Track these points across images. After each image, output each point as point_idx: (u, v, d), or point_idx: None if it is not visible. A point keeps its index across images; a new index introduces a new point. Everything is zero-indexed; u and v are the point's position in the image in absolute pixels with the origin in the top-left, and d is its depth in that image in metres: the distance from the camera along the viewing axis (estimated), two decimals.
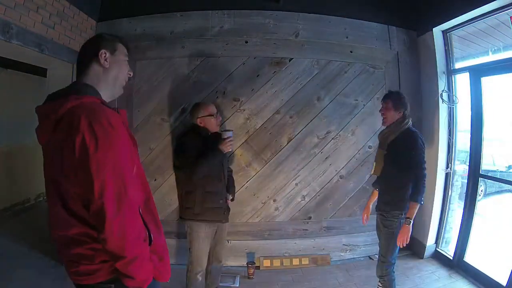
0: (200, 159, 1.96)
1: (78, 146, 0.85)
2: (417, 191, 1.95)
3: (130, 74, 1.14)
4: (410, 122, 2.05)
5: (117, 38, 1.11)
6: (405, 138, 2.00)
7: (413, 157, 1.95)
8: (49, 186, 0.97)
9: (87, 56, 1.05)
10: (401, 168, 1.97)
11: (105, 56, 1.04)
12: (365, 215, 2.35)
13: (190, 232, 2.06)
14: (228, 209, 2.20)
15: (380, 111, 2.13)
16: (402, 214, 1.97)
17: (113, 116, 0.93)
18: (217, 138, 2.09)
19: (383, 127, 2.16)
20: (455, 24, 2.72)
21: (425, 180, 1.95)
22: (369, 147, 2.98)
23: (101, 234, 0.86)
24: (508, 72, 2.47)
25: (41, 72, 3.11)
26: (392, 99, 2.06)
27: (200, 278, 2.07)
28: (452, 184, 2.93)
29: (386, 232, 2.04)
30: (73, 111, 0.88)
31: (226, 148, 2.03)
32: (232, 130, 2.15)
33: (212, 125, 2.12)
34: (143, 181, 1.09)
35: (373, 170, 2.17)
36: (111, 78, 1.07)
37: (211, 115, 2.10)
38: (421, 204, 1.94)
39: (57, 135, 0.91)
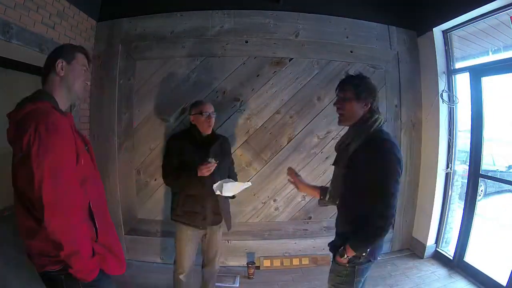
0: (175, 174, 1.95)
1: (25, 145, 0.98)
2: (361, 233, 1.33)
3: (87, 83, 1.26)
4: (381, 121, 1.39)
5: (77, 49, 1.22)
6: (371, 147, 1.33)
7: (375, 180, 1.29)
8: (13, 180, 1.10)
9: (46, 65, 1.17)
10: (361, 194, 1.35)
11: (61, 65, 1.15)
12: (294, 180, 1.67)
13: (175, 232, 2.07)
14: (213, 215, 2.02)
15: (335, 104, 1.46)
16: (359, 258, 1.39)
17: (58, 119, 1.05)
18: (209, 141, 2.01)
19: (342, 134, 1.54)
20: (455, 24, 2.72)
21: (384, 223, 1.27)
22: None
23: (42, 223, 0.97)
24: (508, 72, 2.47)
25: (41, 72, 3.11)
26: (353, 84, 1.39)
27: (183, 280, 2.03)
28: (452, 184, 2.93)
29: (333, 279, 1.50)
30: (26, 117, 1.03)
31: (202, 172, 1.86)
32: (217, 161, 1.89)
33: (202, 124, 1.98)
34: (95, 181, 1.21)
35: (327, 196, 1.53)
36: (67, 85, 1.17)
37: (199, 112, 1.97)
38: (362, 254, 1.36)
39: (15, 136, 1.04)
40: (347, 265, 1.41)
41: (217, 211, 2.03)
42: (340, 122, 1.47)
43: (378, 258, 1.50)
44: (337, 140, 1.54)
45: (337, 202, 1.51)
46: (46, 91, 1.15)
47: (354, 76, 1.45)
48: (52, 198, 0.97)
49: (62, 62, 1.15)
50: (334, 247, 1.49)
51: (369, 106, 1.40)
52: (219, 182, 1.90)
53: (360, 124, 1.40)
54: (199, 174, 1.87)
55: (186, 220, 2.00)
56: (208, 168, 1.86)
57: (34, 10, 2.06)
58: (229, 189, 1.89)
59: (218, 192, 1.88)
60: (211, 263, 2.17)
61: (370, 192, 1.31)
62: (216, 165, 1.88)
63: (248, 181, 1.98)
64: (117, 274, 1.19)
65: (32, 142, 0.97)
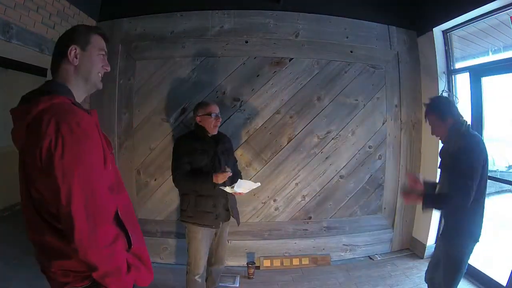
0: (190, 179, 1.97)
1: (45, 151, 0.81)
2: (446, 195, 1.66)
3: (106, 69, 1.06)
4: (465, 123, 1.70)
5: (92, 30, 1.04)
6: (460, 143, 1.65)
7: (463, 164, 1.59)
8: (23, 190, 0.94)
9: (57, 53, 1.00)
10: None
11: (75, 53, 0.98)
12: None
13: (187, 233, 2.07)
14: (224, 214, 2.10)
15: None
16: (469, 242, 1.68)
17: (83, 118, 0.88)
18: (216, 140, 2.09)
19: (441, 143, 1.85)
20: (455, 24, 2.72)
21: (460, 196, 1.57)
22: (369, 147, 2.98)
23: (72, 244, 0.83)
24: (508, 72, 2.47)
25: (41, 72, 3.11)
26: (434, 109, 1.77)
27: (199, 280, 2.04)
28: None
29: (448, 262, 1.74)
30: (42, 114, 0.84)
31: (218, 179, 1.93)
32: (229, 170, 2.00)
33: (209, 124, 2.05)
34: (120, 184, 1.05)
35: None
36: (83, 75, 1.00)
37: (208, 113, 2.04)
38: (423, 208, 1.69)
39: (28, 140, 0.87)
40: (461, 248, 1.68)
41: (227, 208, 2.09)
42: (439, 138, 1.82)
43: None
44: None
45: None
46: (60, 83, 0.97)
47: (432, 101, 1.79)
48: (85, 215, 0.83)
49: (76, 49, 0.98)
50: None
51: (452, 119, 1.71)
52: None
53: (452, 133, 1.72)
54: (214, 181, 1.93)
55: (198, 221, 2.00)
56: (225, 176, 1.95)
57: (34, 10, 2.06)
58: (241, 185, 1.96)
59: (228, 189, 1.95)
60: (221, 261, 2.21)
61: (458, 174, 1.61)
62: (230, 174, 1.98)
63: (258, 182, 2.05)
64: (145, 285, 1.06)
65: (53, 149, 0.81)
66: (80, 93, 1.01)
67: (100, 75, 1.05)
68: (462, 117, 1.73)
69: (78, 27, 1.04)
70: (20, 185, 0.95)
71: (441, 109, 1.74)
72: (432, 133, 1.81)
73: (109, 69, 1.07)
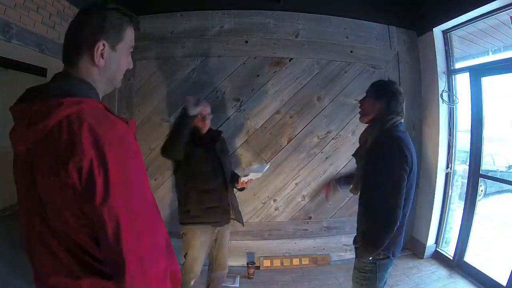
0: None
1: (85, 173, 0.62)
2: (368, 236, 1.40)
3: (129, 68, 0.85)
4: (397, 121, 1.44)
5: (128, 20, 0.79)
6: (378, 142, 1.41)
7: (381, 176, 1.34)
8: (34, 214, 0.72)
9: (78, 43, 0.74)
10: (372, 190, 1.43)
11: (101, 50, 0.74)
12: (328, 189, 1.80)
13: (185, 239, 1.96)
14: (229, 210, 2.00)
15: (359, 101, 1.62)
16: (379, 254, 1.42)
17: (125, 131, 0.71)
18: (212, 137, 2.05)
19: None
20: (455, 24, 2.72)
21: (387, 222, 1.31)
22: None
23: (120, 284, 0.65)
24: (508, 72, 2.47)
25: (41, 72, 3.11)
26: (374, 85, 1.56)
27: (192, 284, 1.98)
28: (452, 184, 2.93)
29: (357, 276, 1.51)
30: (72, 123, 0.65)
31: (199, 123, 1.92)
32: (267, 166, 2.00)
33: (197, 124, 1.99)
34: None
35: (351, 187, 1.64)
36: (107, 77, 0.79)
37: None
38: (377, 252, 1.40)
39: (48, 150, 0.66)
40: (370, 259, 1.45)
41: (228, 209, 1.99)
42: (361, 118, 1.59)
43: (398, 255, 1.53)
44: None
45: (358, 193, 1.59)
46: (85, 81, 0.75)
47: (380, 80, 1.64)
48: (138, 251, 0.66)
49: (105, 46, 0.74)
50: (355, 243, 1.56)
51: (385, 106, 1.47)
52: (245, 169, 1.92)
53: (376, 121, 1.48)
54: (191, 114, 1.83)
55: (206, 219, 1.90)
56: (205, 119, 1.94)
57: (34, 10, 2.06)
58: (250, 172, 1.92)
59: (251, 176, 1.91)
60: (222, 266, 2.10)
61: (377, 189, 1.37)
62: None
63: (267, 163, 1.95)
64: None
65: (97, 172, 0.62)
66: (99, 92, 0.81)
67: (122, 75, 0.85)
68: (398, 116, 1.46)
69: (112, 13, 0.76)
70: (22, 205, 0.77)
71: (378, 88, 1.52)
72: (361, 117, 1.58)
73: (131, 67, 0.86)
